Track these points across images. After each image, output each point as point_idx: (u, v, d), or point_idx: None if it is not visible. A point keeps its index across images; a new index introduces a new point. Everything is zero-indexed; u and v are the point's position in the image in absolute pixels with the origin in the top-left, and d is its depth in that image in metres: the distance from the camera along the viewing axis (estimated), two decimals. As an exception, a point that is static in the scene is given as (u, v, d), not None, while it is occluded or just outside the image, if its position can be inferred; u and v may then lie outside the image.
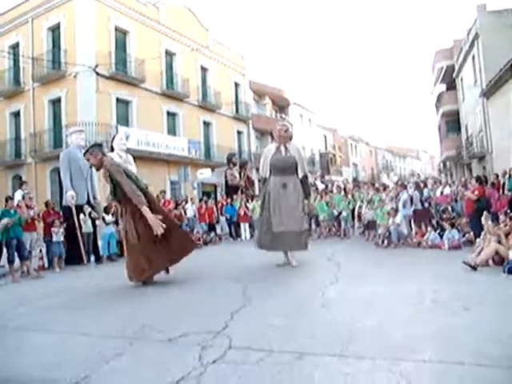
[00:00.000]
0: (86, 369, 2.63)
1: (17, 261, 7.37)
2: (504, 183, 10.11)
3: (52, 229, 8.09)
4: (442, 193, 10.45)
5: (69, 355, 2.98)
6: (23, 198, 8.66)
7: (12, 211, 7.28)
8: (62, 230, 8.14)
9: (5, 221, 6.94)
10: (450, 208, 9.53)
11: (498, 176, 10.84)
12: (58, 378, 2.56)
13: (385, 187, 12.23)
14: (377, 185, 13.93)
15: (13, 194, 9.82)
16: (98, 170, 5.77)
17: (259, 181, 7.86)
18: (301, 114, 36.69)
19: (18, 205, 7.93)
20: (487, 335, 2.85)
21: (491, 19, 21.69)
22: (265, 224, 6.33)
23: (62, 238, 8.08)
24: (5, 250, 7.18)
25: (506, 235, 6.00)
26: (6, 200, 7.48)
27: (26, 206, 8.08)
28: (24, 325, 3.90)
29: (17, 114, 20.89)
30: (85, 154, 5.64)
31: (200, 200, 13.83)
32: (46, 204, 8.75)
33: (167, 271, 5.83)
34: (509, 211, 7.31)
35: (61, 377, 2.56)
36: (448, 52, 30.15)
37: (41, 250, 8.33)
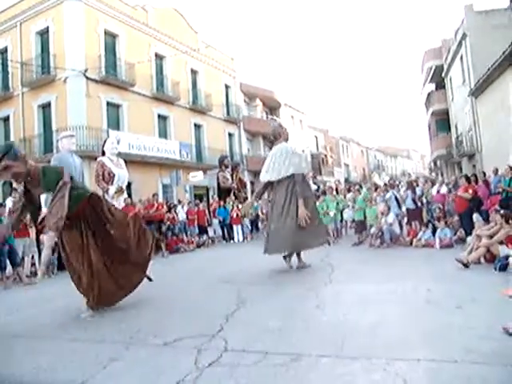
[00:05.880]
0: (83, 374, 2.62)
1: (9, 267, 7.32)
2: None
3: (41, 236, 8.03)
4: (438, 191, 10.46)
5: (65, 361, 2.96)
6: (14, 204, 8.60)
7: (3, 218, 7.24)
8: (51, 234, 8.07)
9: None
10: (441, 206, 9.57)
11: (484, 174, 10.92)
12: (54, 382, 2.55)
13: (376, 187, 12.29)
14: (367, 185, 14.03)
15: (3, 200, 9.75)
16: (20, 182, 4.28)
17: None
18: (292, 115, 36.74)
19: (10, 211, 7.88)
20: (480, 333, 2.88)
21: (478, 19, 21.85)
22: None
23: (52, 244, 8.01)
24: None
25: (496, 232, 6.05)
26: (-2, 206, 7.44)
27: (18, 212, 8.02)
28: (17, 331, 3.88)
29: (6, 119, 20.68)
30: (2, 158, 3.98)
31: (189, 203, 13.77)
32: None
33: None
34: (499, 208, 7.35)
35: (58, 382, 2.54)
36: (437, 52, 30.36)
37: (33, 257, 8.26)
